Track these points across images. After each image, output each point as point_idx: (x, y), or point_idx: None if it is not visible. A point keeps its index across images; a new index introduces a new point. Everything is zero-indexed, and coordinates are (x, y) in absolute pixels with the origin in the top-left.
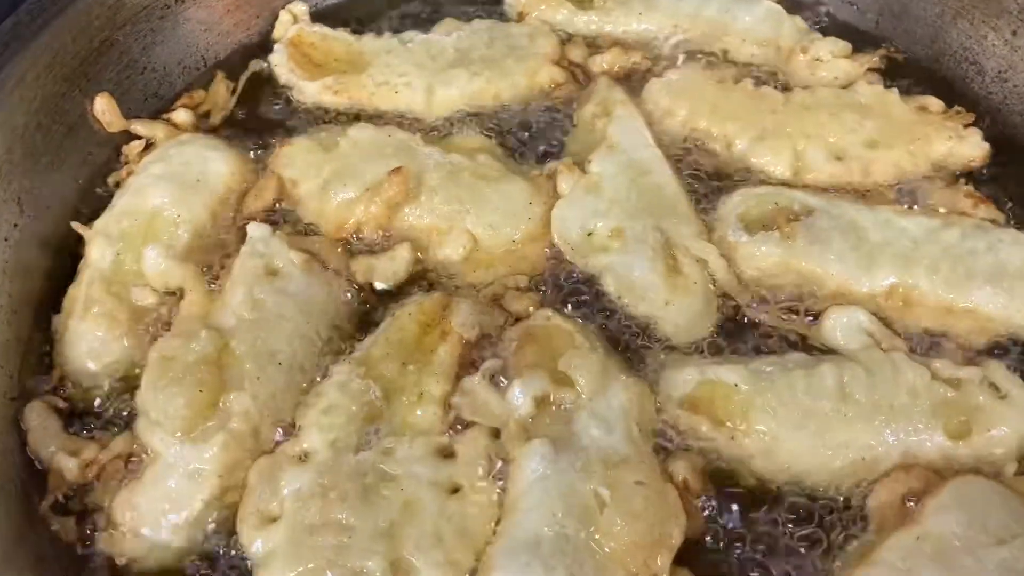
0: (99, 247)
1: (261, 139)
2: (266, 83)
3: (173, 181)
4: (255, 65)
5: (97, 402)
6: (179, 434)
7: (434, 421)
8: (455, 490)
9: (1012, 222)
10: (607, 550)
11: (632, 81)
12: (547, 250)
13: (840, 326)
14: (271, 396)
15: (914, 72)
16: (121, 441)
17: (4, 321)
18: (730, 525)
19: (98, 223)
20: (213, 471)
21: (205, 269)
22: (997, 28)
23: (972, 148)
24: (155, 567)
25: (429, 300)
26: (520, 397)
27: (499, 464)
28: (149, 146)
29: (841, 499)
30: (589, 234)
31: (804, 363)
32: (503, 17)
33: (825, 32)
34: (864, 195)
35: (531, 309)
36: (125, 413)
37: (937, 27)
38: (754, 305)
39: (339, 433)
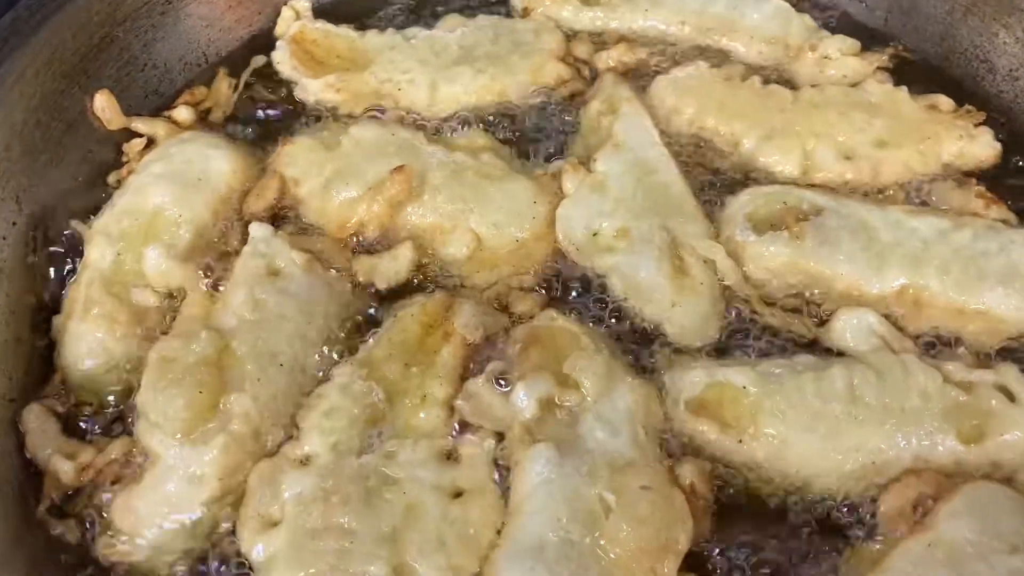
0: (99, 247)
1: (263, 137)
2: (268, 80)
3: (174, 180)
4: (257, 62)
5: (96, 404)
6: (179, 436)
7: (437, 424)
8: (458, 494)
9: None
10: (612, 556)
11: (638, 78)
12: (552, 250)
13: (850, 328)
14: (272, 398)
15: (924, 70)
16: (119, 444)
17: (2, 322)
18: (737, 530)
19: (98, 222)
20: (213, 474)
21: (206, 269)
22: (1008, 26)
23: (983, 148)
24: (153, 571)
25: (432, 301)
26: (524, 400)
27: (503, 468)
28: (150, 144)
29: (851, 504)
30: (594, 234)
31: (813, 365)
32: (508, 13)
33: (833, 30)
34: (874, 195)
35: (535, 310)
36: (126, 415)
37: (947, 24)
38: (762, 306)
39: (341, 436)
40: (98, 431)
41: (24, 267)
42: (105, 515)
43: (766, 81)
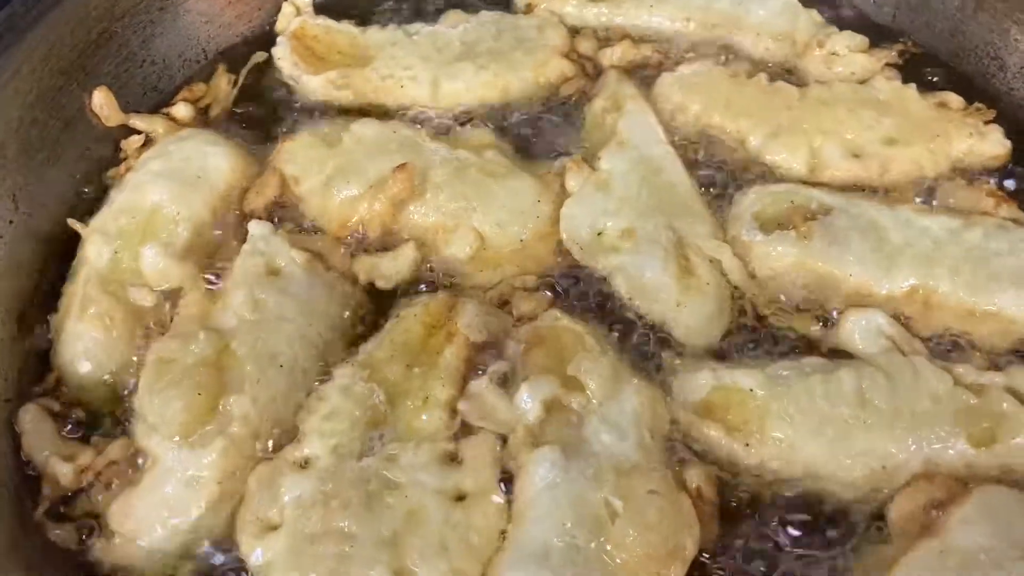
0: (96, 245)
1: (263, 134)
2: (268, 77)
3: (172, 177)
4: (257, 58)
5: (94, 405)
6: (177, 438)
7: (439, 426)
8: (461, 498)
9: None
10: (618, 562)
11: (643, 75)
12: (556, 249)
13: (859, 329)
14: (272, 399)
15: (933, 67)
16: (117, 446)
17: None
18: (744, 536)
19: (95, 221)
20: (212, 477)
21: (205, 269)
22: (1020, 22)
23: (993, 145)
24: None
25: (434, 301)
26: (528, 402)
27: (507, 471)
28: (148, 141)
29: (860, 509)
30: (599, 233)
31: (822, 368)
32: (511, 9)
33: (841, 26)
34: (883, 193)
35: (539, 310)
36: (123, 417)
37: (957, 21)
38: (769, 307)
39: (341, 438)
40: (96, 432)
41: (20, 266)
42: (103, 518)
43: (773, 78)
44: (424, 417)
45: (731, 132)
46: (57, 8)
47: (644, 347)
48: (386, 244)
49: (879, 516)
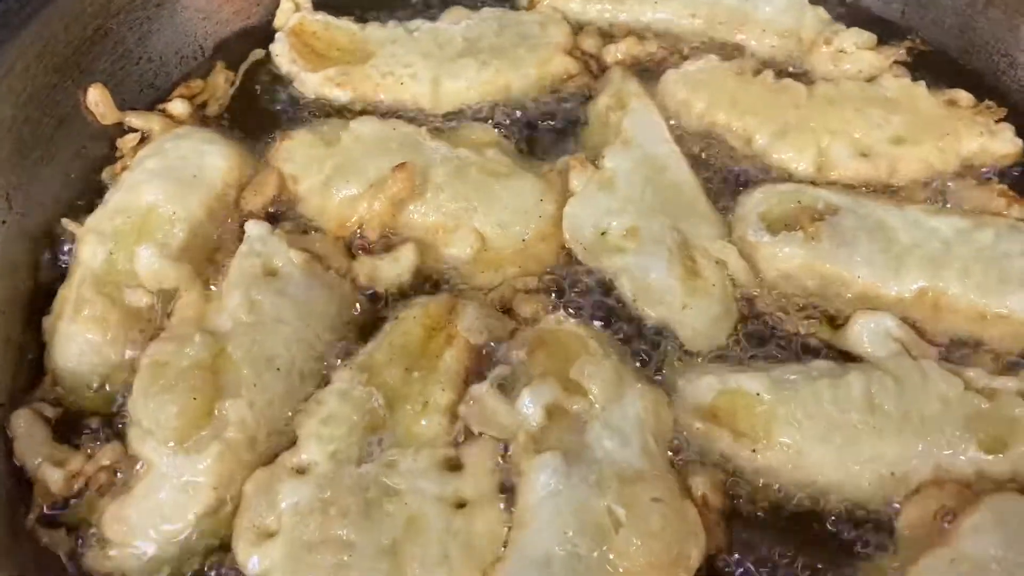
0: (91, 245)
1: (261, 132)
2: (266, 74)
3: (169, 176)
4: (255, 55)
5: (87, 407)
6: (172, 444)
7: (439, 431)
8: (461, 505)
9: None
10: (621, 571)
11: (648, 72)
12: (559, 250)
13: (867, 332)
14: (269, 404)
15: (942, 64)
16: (109, 451)
17: None
18: (750, 544)
19: (90, 220)
20: (207, 483)
21: (201, 269)
22: None
23: (1004, 144)
24: None
25: (435, 303)
26: (530, 406)
27: (508, 478)
28: (144, 139)
29: (869, 517)
30: (603, 233)
31: (830, 371)
32: (513, 5)
33: (848, 23)
34: (891, 193)
35: (541, 313)
36: (118, 420)
37: (966, 17)
38: (775, 309)
39: (340, 444)
40: (89, 435)
41: (14, 266)
42: (96, 524)
43: (779, 75)
44: (424, 422)
45: (737, 130)
46: (52, 4)
47: (648, 350)
48: (386, 244)
49: (888, 524)
